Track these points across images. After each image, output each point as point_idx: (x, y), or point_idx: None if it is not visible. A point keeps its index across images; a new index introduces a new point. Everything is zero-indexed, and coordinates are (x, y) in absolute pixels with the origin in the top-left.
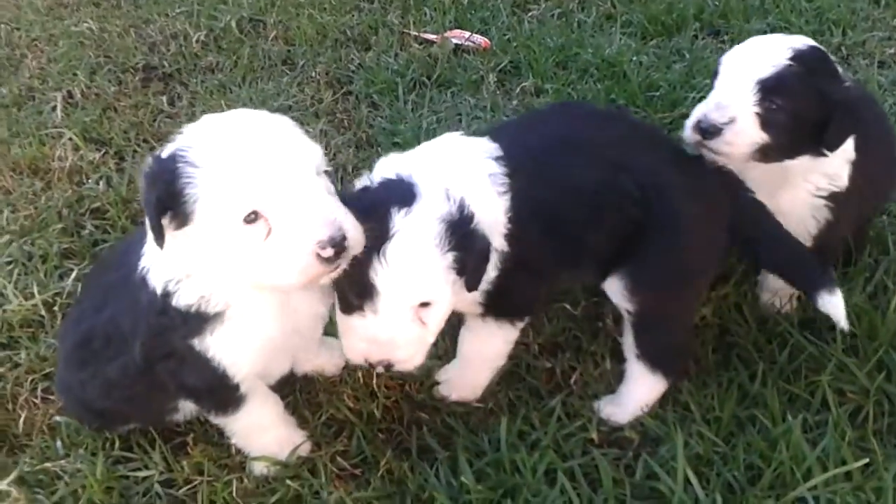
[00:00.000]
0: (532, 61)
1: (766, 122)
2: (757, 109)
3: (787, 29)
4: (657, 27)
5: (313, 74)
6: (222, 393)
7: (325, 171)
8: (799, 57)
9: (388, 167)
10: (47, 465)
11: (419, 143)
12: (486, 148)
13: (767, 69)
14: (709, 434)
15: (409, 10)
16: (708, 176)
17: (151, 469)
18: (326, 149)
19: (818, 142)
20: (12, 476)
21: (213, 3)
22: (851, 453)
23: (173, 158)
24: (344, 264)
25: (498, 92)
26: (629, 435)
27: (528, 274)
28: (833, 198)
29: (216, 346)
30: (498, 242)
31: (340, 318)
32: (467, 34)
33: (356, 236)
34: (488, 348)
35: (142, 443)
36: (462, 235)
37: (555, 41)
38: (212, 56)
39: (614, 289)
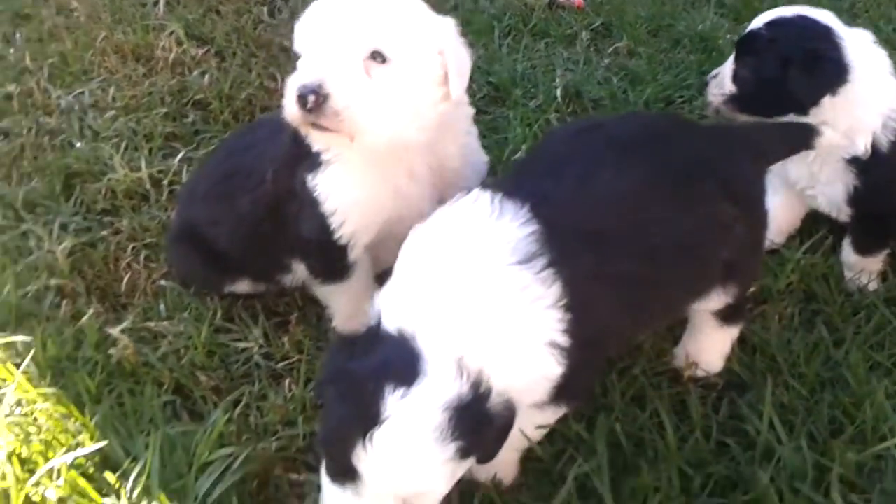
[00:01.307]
0: (625, 25)
1: (735, 76)
2: (732, 66)
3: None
4: (750, 11)
5: None
6: (331, 253)
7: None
8: (773, 23)
9: (393, 309)
10: (149, 324)
11: (515, 87)
12: (514, 238)
13: (746, 33)
14: (795, 384)
15: None
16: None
17: (251, 342)
18: None
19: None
20: (124, 325)
21: None
22: None
23: None
24: (325, 122)
25: (591, 49)
26: (715, 379)
27: (597, 352)
28: (857, 163)
29: (322, 186)
30: (558, 340)
31: (323, 479)
32: None
33: (339, 101)
34: (519, 429)
35: (244, 316)
36: (473, 421)
37: (647, 11)
38: None
39: (707, 306)
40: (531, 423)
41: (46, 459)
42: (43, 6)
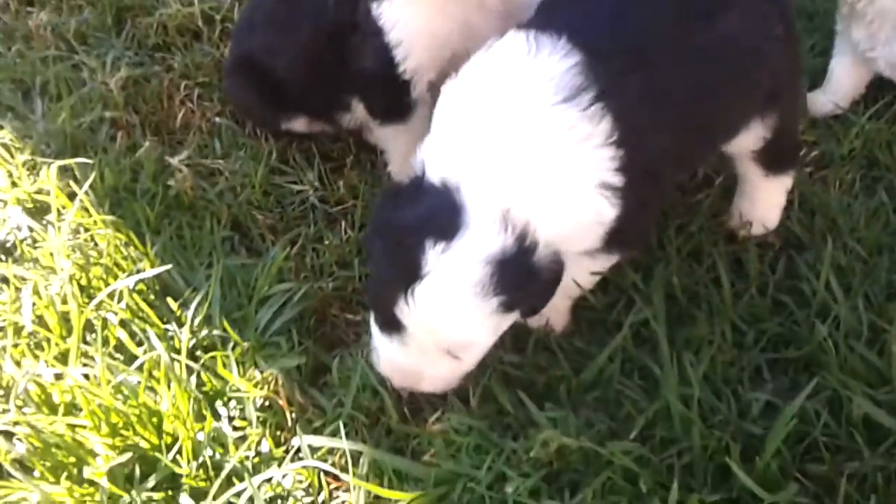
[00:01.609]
0: None
1: None
2: None
3: None
4: None
5: None
6: (393, 89)
7: None
8: None
9: (436, 159)
10: (205, 161)
11: None
12: (556, 74)
13: None
14: (855, 246)
15: None
16: None
17: (307, 185)
18: None
19: None
20: (184, 154)
21: None
22: None
23: None
24: None
25: None
26: (772, 239)
27: (653, 189)
28: None
29: (386, 14)
30: (610, 180)
31: (373, 326)
32: None
33: None
34: (571, 277)
35: (298, 159)
36: (517, 275)
37: None
38: None
39: (746, 142)
40: (583, 271)
41: (107, 284)
42: None
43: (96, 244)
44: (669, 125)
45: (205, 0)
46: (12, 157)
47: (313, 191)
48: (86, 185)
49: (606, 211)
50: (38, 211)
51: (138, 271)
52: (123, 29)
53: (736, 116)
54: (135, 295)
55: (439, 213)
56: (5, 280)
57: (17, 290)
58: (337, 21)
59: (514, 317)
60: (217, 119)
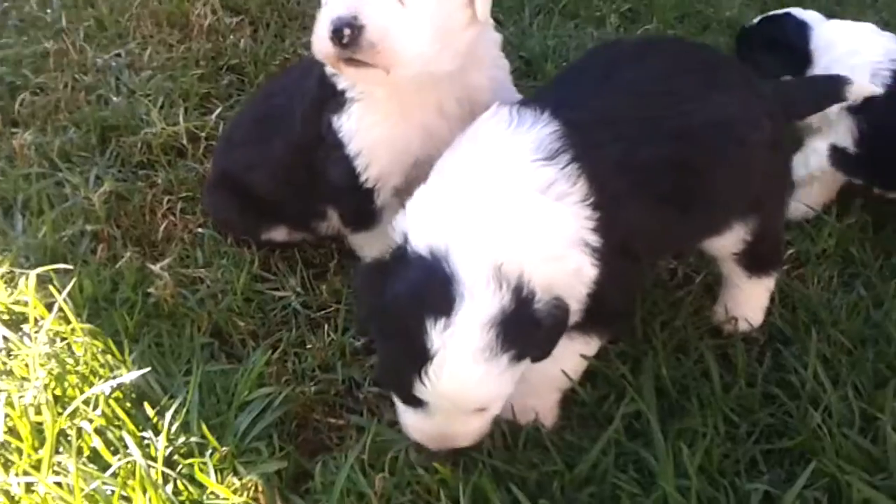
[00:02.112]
0: (654, 9)
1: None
2: None
3: None
4: (776, 1)
5: None
6: (359, 198)
7: None
8: (762, 18)
9: (420, 226)
10: (187, 270)
11: (546, 61)
12: (535, 138)
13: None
14: (840, 338)
15: None
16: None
17: (289, 290)
18: None
19: None
20: (165, 262)
21: None
22: None
23: None
24: (361, 55)
25: (620, 30)
26: (756, 334)
27: (631, 260)
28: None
29: (346, 126)
30: (589, 239)
31: (396, 400)
32: None
33: (377, 30)
34: (558, 367)
35: (281, 266)
36: (521, 328)
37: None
38: None
39: (727, 242)
40: (571, 355)
41: (83, 392)
42: None
43: (73, 353)
44: (647, 199)
45: (190, 118)
46: None
47: (295, 296)
48: (64, 292)
49: (587, 269)
50: (15, 322)
51: (115, 378)
52: (108, 148)
53: (718, 209)
54: (111, 401)
55: (432, 286)
56: None
57: None
58: (305, 136)
59: (526, 364)
60: (199, 230)
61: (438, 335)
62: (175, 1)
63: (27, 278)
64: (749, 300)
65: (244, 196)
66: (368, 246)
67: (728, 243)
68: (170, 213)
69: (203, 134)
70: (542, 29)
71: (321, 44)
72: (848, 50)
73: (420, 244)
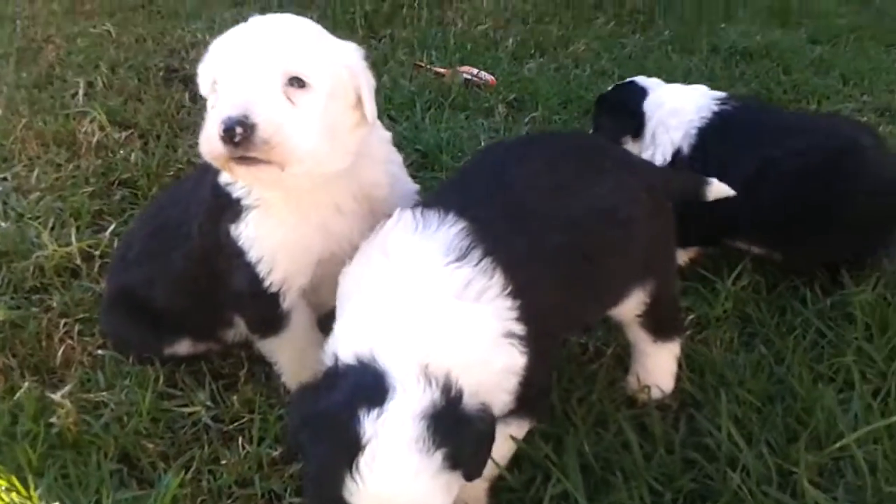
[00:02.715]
0: (538, 98)
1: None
2: None
3: (769, 96)
4: None
5: None
6: (264, 304)
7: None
8: (615, 86)
9: (345, 341)
10: (89, 395)
11: (442, 153)
12: (445, 240)
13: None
14: (748, 397)
15: (415, 51)
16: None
17: (198, 405)
18: None
19: None
20: (66, 389)
21: (228, 24)
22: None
23: None
24: (254, 152)
25: (509, 118)
26: (669, 401)
27: (550, 340)
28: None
29: (245, 234)
30: (514, 329)
31: None
32: (475, 70)
33: (268, 129)
34: (507, 448)
35: (188, 381)
36: (452, 425)
37: (555, 87)
38: None
39: (629, 306)
40: (500, 441)
41: None
42: None
43: None
44: (556, 283)
45: (82, 237)
46: None
47: (206, 410)
48: None
49: (516, 359)
50: None
51: None
52: None
53: (616, 281)
54: None
55: (365, 385)
56: None
57: None
58: (203, 246)
59: (459, 481)
60: (99, 352)
61: (371, 424)
62: (60, 120)
63: None
64: (658, 366)
65: (143, 312)
66: (280, 350)
67: (630, 307)
68: (67, 336)
69: (97, 252)
70: (434, 123)
71: (211, 144)
72: (669, 110)
73: (348, 356)
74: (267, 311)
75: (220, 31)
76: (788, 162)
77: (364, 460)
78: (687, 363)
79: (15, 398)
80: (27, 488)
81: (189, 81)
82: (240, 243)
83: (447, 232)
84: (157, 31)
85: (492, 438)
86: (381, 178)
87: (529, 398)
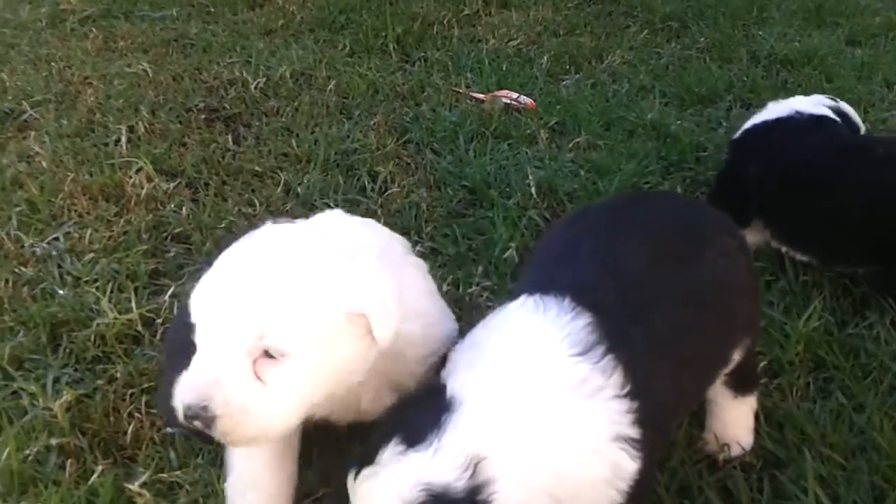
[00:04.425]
0: (579, 121)
1: None
2: None
3: None
4: (692, 97)
5: (371, 124)
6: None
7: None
8: None
9: (460, 385)
10: (162, 475)
11: (489, 188)
12: (567, 327)
13: None
14: (830, 453)
15: (451, 74)
16: None
17: None
18: (399, 188)
19: None
20: (143, 478)
21: (264, 56)
22: None
23: None
24: (220, 438)
25: (552, 145)
26: (750, 459)
27: (661, 437)
28: None
29: None
30: (629, 433)
31: None
32: (514, 95)
33: (227, 422)
34: None
35: None
36: None
37: (594, 107)
38: (272, 101)
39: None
40: None
41: None
42: (2, 155)
43: None
44: (673, 370)
45: (141, 302)
46: None
47: None
48: None
49: (627, 465)
50: None
51: None
52: (59, 346)
53: (726, 350)
54: None
55: (416, 419)
56: None
57: None
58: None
59: None
60: (168, 429)
61: (388, 452)
62: (107, 171)
63: None
64: (737, 421)
65: None
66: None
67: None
68: (135, 410)
69: (159, 319)
70: (478, 155)
71: (177, 416)
72: None
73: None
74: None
75: (257, 66)
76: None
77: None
78: (765, 415)
79: (89, 483)
80: None
81: (230, 122)
82: None
83: (572, 323)
84: (193, 67)
85: None
86: (408, 378)
87: (641, 494)
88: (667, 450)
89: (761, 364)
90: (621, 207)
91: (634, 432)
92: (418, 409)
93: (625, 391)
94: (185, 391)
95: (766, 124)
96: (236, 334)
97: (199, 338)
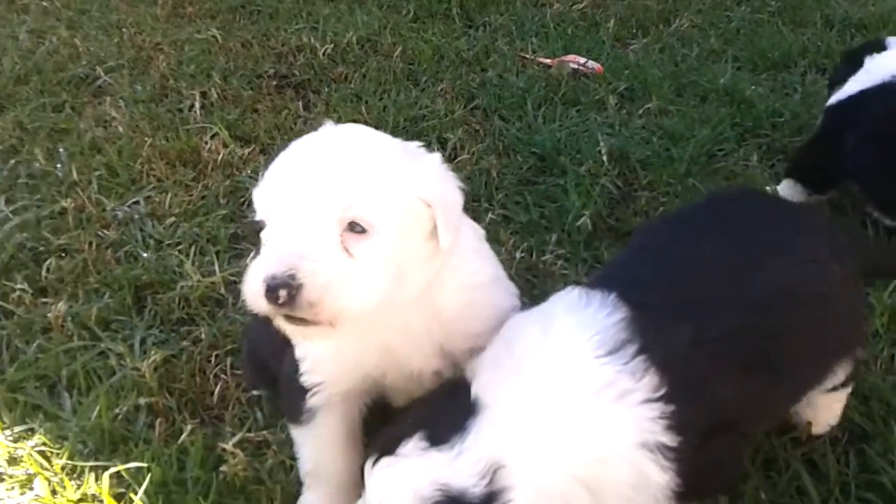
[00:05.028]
0: (649, 86)
1: None
2: None
3: None
4: (765, 62)
5: (438, 90)
6: (293, 391)
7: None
8: None
9: (480, 378)
10: (249, 434)
11: (560, 155)
12: (600, 323)
13: None
14: None
15: (515, 39)
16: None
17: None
18: (469, 155)
19: None
20: (236, 438)
21: (330, 22)
22: None
23: None
24: (301, 314)
25: (622, 111)
26: (836, 433)
27: (729, 436)
28: None
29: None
30: (660, 440)
31: None
32: (582, 59)
33: (317, 289)
34: None
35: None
36: None
37: (664, 71)
38: (340, 68)
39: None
40: None
41: None
42: (80, 119)
43: None
44: (737, 367)
45: (223, 265)
46: (50, 463)
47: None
48: (140, 491)
49: (655, 476)
50: None
51: None
52: (144, 308)
53: (815, 359)
54: None
55: (440, 414)
56: None
57: None
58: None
59: None
60: (255, 391)
61: (409, 446)
62: (183, 137)
63: (97, 473)
64: (828, 410)
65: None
66: (300, 442)
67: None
68: (221, 371)
69: (238, 282)
70: (547, 121)
71: (255, 298)
72: None
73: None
74: (294, 400)
75: (324, 32)
76: None
77: (378, 462)
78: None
79: (179, 442)
80: None
81: (300, 88)
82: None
83: (605, 320)
84: (261, 33)
85: None
86: (455, 303)
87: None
88: (744, 455)
89: None
90: (699, 208)
91: (668, 439)
92: (443, 407)
93: (658, 394)
94: (271, 263)
95: (863, 94)
96: (325, 205)
97: (279, 218)
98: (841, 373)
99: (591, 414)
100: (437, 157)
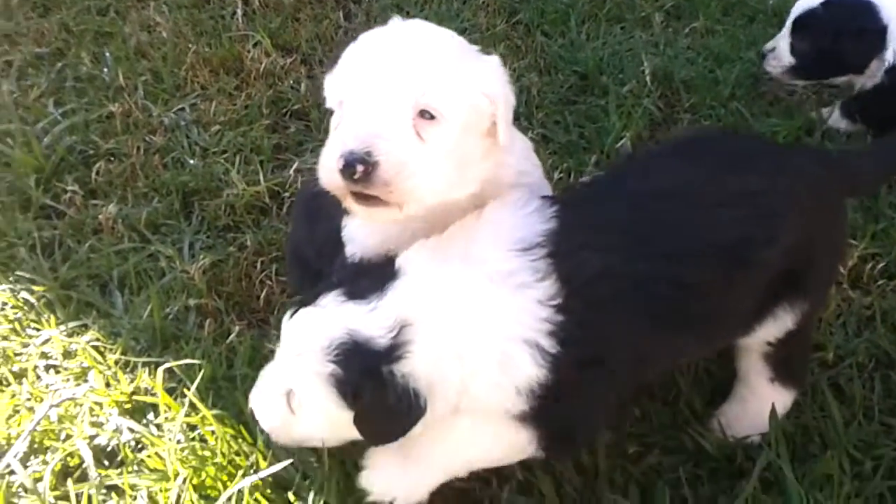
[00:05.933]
0: (697, 4)
1: (793, 49)
2: (789, 40)
3: None
4: None
5: (480, 2)
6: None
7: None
8: (828, 3)
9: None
10: None
11: (602, 74)
12: (525, 224)
13: (803, 12)
14: None
15: None
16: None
17: None
18: (511, 71)
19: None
20: None
21: None
22: None
23: None
24: (373, 191)
25: (668, 29)
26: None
27: (600, 378)
28: None
29: (347, 230)
30: (539, 342)
31: None
32: None
33: (392, 167)
34: (480, 453)
35: None
36: (363, 368)
37: None
38: None
39: (766, 333)
40: (490, 441)
41: (223, 483)
42: (124, 23)
43: (205, 441)
44: (641, 312)
45: (267, 175)
46: (104, 358)
47: None
48: (193, 386)
49: (525, 369)
50: (137, 411)
51: (252, 466)
52: (192, 213)
53: (747, 305)
54: (256, 493)
55: (359, 279)
56: (114, 488)
57: (132, 498)
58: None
59: (346, 422)
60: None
61: (326, 298)
62: (225, 44)
63: (151, 369)
64: (761, 413)
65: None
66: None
67: (766, 334)
68: (266, 277)
69: (286, 192)
70: (591, 39)
71: (329, 175)
72: None
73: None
74: None
75: None
76: None
77: (295, 313)
78: (882, 318)
79: (227, 341)
80: (253, 437)
81: None
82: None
83: (532, 222)
84: None
85: (404, 416)
86: None
87: (555, 425)
88: (614, 398)
89: (879, 265)
90: (675, 146)
91: (548, 345)
92: (368, 272)
93: (553, 302)
94: (349, 139)
95: None
96: (401, 90)
97: (355, 102)
98: (783, 325)
99: (490, 295)
100: (496, 58)
